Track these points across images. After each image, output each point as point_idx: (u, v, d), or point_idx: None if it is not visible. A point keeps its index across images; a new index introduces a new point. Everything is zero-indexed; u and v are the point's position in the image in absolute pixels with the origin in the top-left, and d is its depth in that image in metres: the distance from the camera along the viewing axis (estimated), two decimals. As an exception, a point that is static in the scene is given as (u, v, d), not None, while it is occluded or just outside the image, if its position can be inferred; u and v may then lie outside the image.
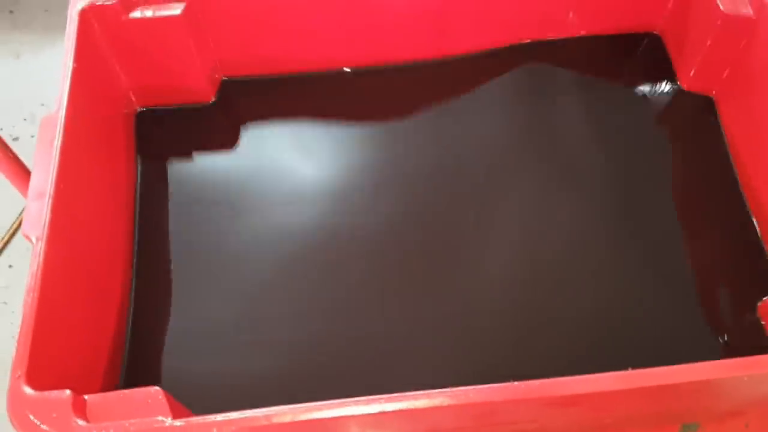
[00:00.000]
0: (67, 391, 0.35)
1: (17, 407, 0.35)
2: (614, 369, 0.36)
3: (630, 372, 0.36)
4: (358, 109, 0.59)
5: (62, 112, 0.45)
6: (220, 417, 0.35)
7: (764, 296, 0.48)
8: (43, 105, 1.03)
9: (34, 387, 0.35)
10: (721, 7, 0.52)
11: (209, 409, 0.36)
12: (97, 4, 0.50)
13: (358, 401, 0.35)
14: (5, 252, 0.92)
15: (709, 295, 0.50)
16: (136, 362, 0.47)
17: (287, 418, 0.35)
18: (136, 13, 0.52)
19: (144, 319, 0.49)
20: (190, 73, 0.56)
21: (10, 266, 0.91)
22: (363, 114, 0.59)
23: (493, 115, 0.59)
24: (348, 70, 0.60)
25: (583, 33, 0.61)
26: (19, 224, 0.94)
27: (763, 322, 0.48)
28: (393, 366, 0.47)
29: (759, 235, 0.52)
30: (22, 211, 0.94)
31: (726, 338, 0.48)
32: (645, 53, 0.61)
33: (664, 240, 0.52)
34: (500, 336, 0.48)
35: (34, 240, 0.40)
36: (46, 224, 0.40)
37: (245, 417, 0.35)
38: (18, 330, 0.91)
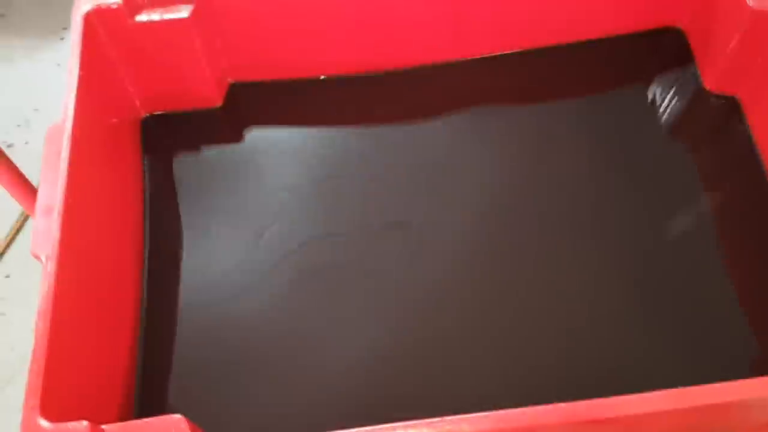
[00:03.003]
0: (84, 422, 0.33)
1: (32, 441, 0.32)
2: (644, 387, 0.35)
3: (679, 390, 0.35)
4: (370, 114, 0.57)
5: (69, 123, 0.42)
6: (248, 448, 0.33)
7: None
8: (37, 110, 1.00)
9: (49, 418, 0.33)
10: (749, 3, 0.50)
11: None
12: (102, 7, 0.48)
13: (395, 427, 0.33)
14: (2, 262, 0.90)
15: (738, 307, 0.47)
16: (151, 388, 0.45)
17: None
18: (142, 17, 0.50)
19: (157, 341, 0.47)
20: (198, 77, 0.54)
21: (8, 276, 0.89)
22: (375, 120, 0.57)
23: (508, 120, 0.57)
24: (359, 75, 0.58)
25: (601, 34, 0.59)
26: (16, 233, 0.92)
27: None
28: (427, 388, 0.45)
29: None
30: (19, 219, 0.92)
31: (757, 351, 0.46)
32: (666, 51, 0.59)
33: (693, 251, 0.50)
34: (518, 356, 0.46)
35: (43, 259, 0.38)
36: (56, 242, 0.38)
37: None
38: (15, 341, 0.89)
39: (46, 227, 0.39)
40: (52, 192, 0.40)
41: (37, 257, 0.38)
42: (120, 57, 0.51)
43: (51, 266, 0.37)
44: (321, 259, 0.50)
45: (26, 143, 0.97)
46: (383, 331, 0.47)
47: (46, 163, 0.43)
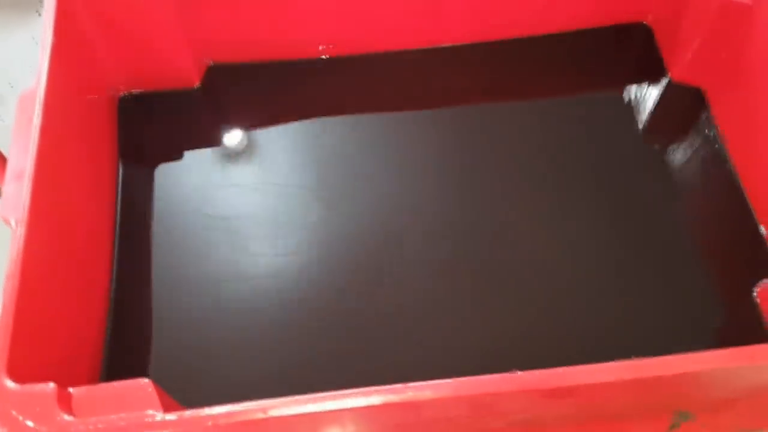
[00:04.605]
0: (51, 384, 0.33)
1: (-3, 401, 0.33)
2: (611, 358, 0.35)
3: (630, 362, 0.35)
4: (348, 97, 0.58)
5: (41, 88, 0.42)
6: (214, 410, 0.33)
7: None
8: (12, 86, 0.99)
9: (16, 379, 0.33)
10: (717, -7, 0.51)
11: (197, 401, 0.34)
12: (79, -23, 0.48)
13: (362, 392, 0.33)
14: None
15: (707, 282, 0.49)
16: (119, 351, 0.45)
17: (285, 411, 0.33)
18: (120, -10, 0.49)
19: (126, 305, 0.47)
20: (176, 54, 0.54)
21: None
22: (353, 102, 0.57)
23: (474, 113, 0.57)
24: (340, 57, 0.59)
25: (569, 27, 0.60)
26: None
27: (761, 307, 0.48)
28: (390, 354, 0.46)
29: (757, 222, 0.51)
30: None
31: (724, 324, 0.48)
32: (633, 45, 0.60)
33: (658, 231, 0.51)
34: (490, 327, 0.47)
35: (13, 223, 0.38)
36: (26, 206, 0.38)
37: (240, 410, 0.33)
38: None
39: (16, 191, 0.39)
40: (23, 157, 0.40)
41: (6, 221, 0.38)
42: (97, 29, 0.50)
43: (20, 230, 0.37)
44: (296, 239, 0.50)
45: (1, 120, 0.95)
46: (353, 299, 0.48)
47: (18, 129, 0.42)
